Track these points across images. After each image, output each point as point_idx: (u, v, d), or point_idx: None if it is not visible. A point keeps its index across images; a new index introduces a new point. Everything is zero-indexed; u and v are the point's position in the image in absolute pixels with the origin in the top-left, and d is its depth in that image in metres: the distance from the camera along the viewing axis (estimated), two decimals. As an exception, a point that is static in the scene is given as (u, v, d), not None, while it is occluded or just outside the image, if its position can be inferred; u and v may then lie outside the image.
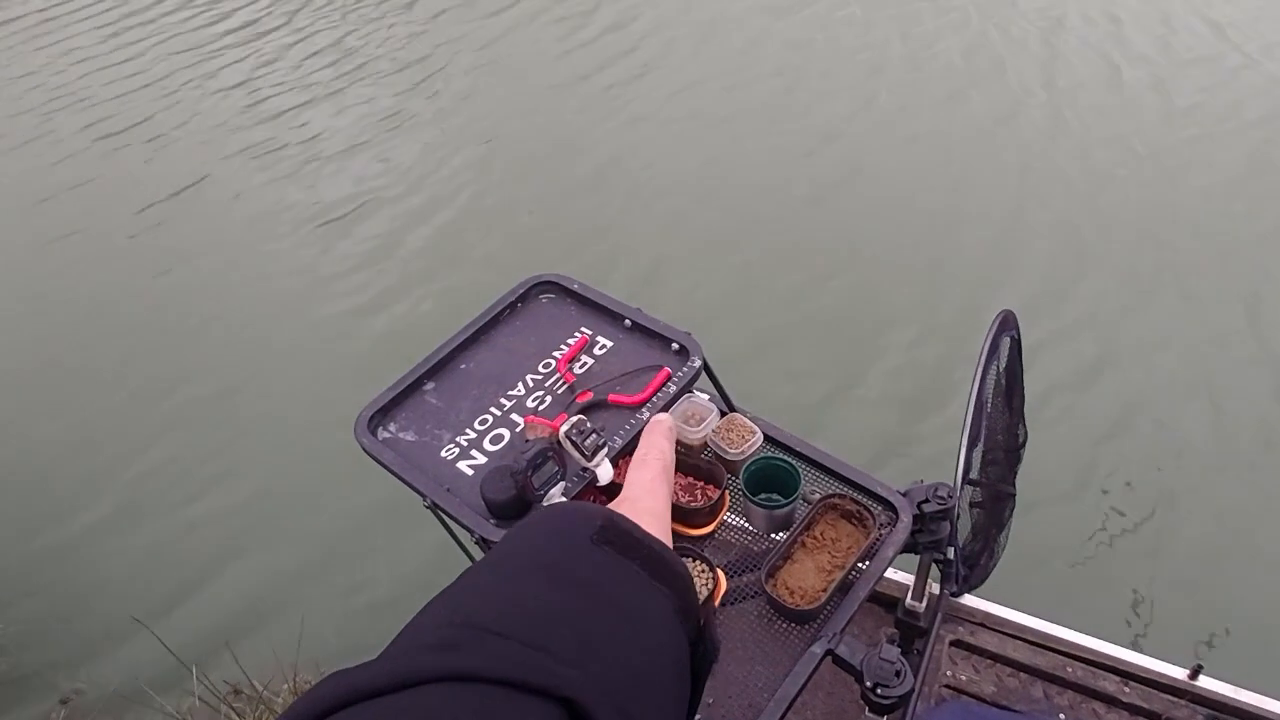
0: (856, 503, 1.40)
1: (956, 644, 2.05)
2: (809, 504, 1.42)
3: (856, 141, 4.90)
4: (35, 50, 6.54)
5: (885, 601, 2.14)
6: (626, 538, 0.55)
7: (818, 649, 1.24)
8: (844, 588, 1.32)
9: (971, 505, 2.10)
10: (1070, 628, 2.01)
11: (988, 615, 2.07)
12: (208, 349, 4.13)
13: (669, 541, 0.61)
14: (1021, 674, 2.00)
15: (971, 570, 2.12)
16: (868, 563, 1.36)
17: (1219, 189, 4.27)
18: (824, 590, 1.30)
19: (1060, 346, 3.61)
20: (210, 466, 3.58)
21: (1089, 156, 4.55)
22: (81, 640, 3.04)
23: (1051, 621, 2.03)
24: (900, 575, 2.09)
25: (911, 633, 1.97)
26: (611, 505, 0.62)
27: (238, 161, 5.34)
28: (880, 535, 1.39)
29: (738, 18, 6.16)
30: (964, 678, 1.98)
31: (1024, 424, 2.38)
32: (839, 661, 1.23)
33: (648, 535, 0.56)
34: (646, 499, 0.67)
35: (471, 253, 4.44)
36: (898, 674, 1.17)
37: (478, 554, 1.36)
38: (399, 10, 6.80)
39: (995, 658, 2.02)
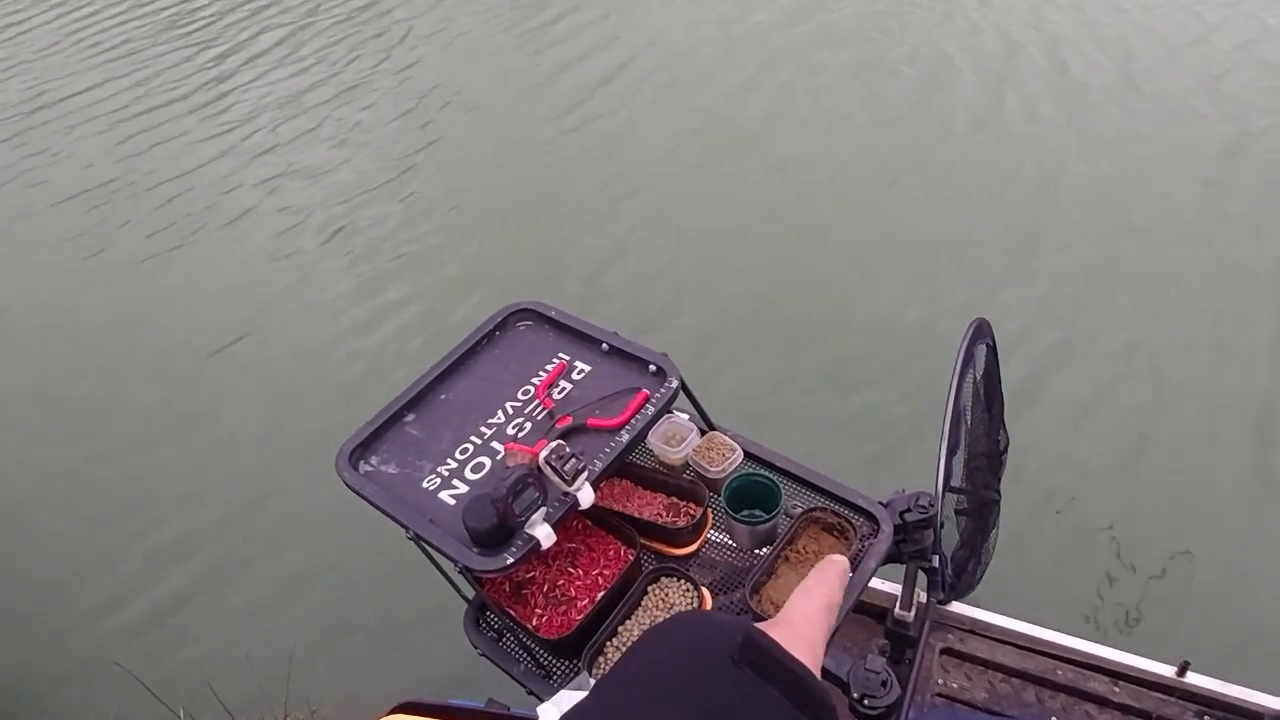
0: (838, 515, 1.41)
1: (947, 652, 2.05)
2: (791, 518, 1.43)
3: (834, 151, 4.96)
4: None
5: (875, 613, 2.15)
6: (767, 658, 0.52)
7: (804, 662, 1.25)
8: (828, 600, 1.33)
9: (957, 513, 2.12)
10: (1059, 630, 2.02)
11: (976, 621, 2.08)
12: (185, 380, 4.12)
13: (818, 674, 0.58)
14: (1013, 679, 2.01)
15: (959, 577, 2.13)
16: (851, 575, 1.37)
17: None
18: (808, 604, 1.31)
19: (1042, 351, 3.64)
20: (190, 502, 3.54)
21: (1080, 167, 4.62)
22: (64, 689, 3.00)
23: (1040, 625, 2.05)
24: (888, 585, 2.09)
25: (902, 643, 1.98)
26: (765, 625, 0.60)
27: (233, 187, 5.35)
28: (863, 546, 1.40)
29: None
30: (956, 685, 1.99)
31: (1005, 430, 2.40)
32: (825, 674, 1.24)
33: (790, 657, 0.53)
34: (803, 626, 0.63)
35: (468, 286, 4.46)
36: (884, 684, 1.17)
37: (462, 583, 1.36)
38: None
39: (986, 664, 2.02)
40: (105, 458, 3.82)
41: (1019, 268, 4.07)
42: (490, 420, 1.48)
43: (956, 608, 2.08)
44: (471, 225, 4.89)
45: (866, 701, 1.17)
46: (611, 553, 1.43)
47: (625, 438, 1.37)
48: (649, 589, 1.37)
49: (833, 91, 5.49)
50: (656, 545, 1.47)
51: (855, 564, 1.38)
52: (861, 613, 2.16)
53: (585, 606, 1.35)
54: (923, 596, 1.95)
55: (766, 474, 1.48)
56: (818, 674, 0.57)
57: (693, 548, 1.46)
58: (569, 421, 1.42)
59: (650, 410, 1.42)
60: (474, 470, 1.40)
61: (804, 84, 5.61)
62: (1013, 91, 5.27)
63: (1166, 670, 1.89)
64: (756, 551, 1.47)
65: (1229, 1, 5.86)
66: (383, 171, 5.40)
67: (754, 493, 1.46)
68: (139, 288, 4.77)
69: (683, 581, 1.37)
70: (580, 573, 1.41)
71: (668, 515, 1.48)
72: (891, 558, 1.55)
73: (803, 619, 0.65)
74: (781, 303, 4.09)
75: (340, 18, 7.32)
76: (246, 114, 6.16)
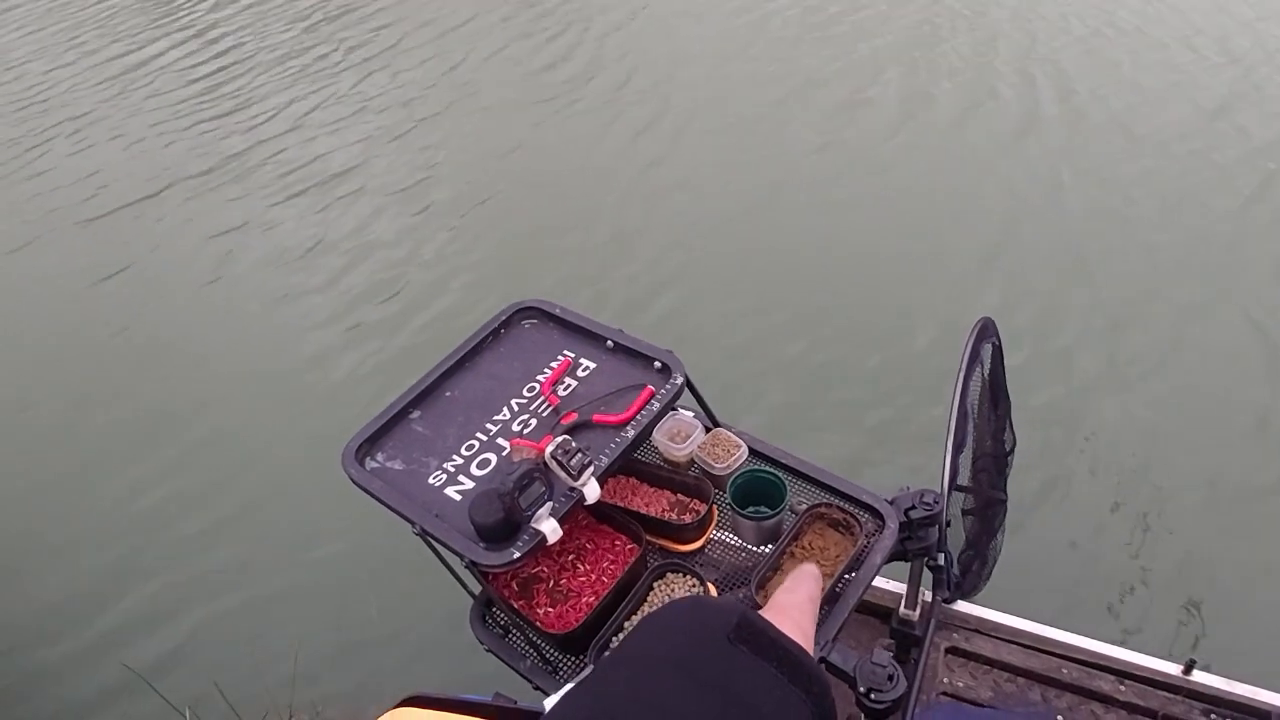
0: (843, 511, 1.42)
1: (952, 650, 2.05)
2: (796, 514, 1.43)
3: (844, 147, 4.97)
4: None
5: (880, 613, 2.14)
6: (762, 637, 0.54)
7: (810, 658, 1.25)
8: (834, 596, 1.33)
9: (964, 513, 2.12)
10: (1064, 629, 2.02)
11: (982, 620, 2.07)
12: (188, 384, 4.12)
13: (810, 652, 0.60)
14: (1019, 678, 2.00)
15: (964, 577, 2.13)
16: (857, 570, 1.37)
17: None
18: (814, 599, 1.31)
19: (1052, 350, 3.64)
20: (191, 504, 3.54)
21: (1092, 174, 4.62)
22: (70, 690, 3.00)
23: (1045, 624, 2.04)
24: (893, 585, 2.09)
25: (907, 642, 1.98)
26: (761, 611, 0.61)
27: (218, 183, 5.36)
28: (868, 542, 1.40)
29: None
30: (961, 684, 1.98)
31: (1012, 430, 2.40)
32: (832, 669, 1.23)
33: (783, 636, 0.55)
34: (793, 611, 0.66)
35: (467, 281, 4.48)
36: (890, 678, 1.17)
37: (469, 579, 1.36)
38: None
39: (991, 663, 2.02)
40: (107, 460, 3.83)
41: (1035, 271, 4.06)
42: (496, 417, 1.49)
43: (961, 606, 2.08)
44: (478, 224, 4.90)
45: (873, 696, 1.17)
46: (617, 549, 1.44)
47: (631, 433, 1.38)
48: (654, 585, 1.37)
49: (842, 96, 5.49)
50: (662, 541, 1.47)
51: (860, 561, 1.38)
52: (867, 613, 2.16)
53: (591, 602, 1.35)
54: (928, 595, 1.95)
55: (772, 470, 1.48)
56: (810, 652, 0.59)
57: (698, 544, 1.46)
58: (574, 418, 1.42)
59: (655, 406, 1.42)
60: (480, 466, 1.40)
61: (812, 83, 5.61)
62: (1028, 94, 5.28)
63: (1173, 668, 1.89)
64: (762, 549, 1.48)
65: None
66: (395, 171, 5.41)
67: (759, 489, 1.46)
68: (141, 287, 4.79)
69: (688, 577, 1.37)
70: (586, 568, 1.42)
71: (673, 512, 1.48)
72: (897, 556, 1.55)
73: (792, 606, 0.67)
74: (789, 300, 4.09)
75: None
76: (258, 109, 6.19)
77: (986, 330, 2.05)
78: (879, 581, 2.12)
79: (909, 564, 1.76)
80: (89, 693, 3.00)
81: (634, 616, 1.33)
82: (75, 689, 3.02)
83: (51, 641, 3.19)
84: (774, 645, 0.54)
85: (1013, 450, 2.42)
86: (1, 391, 4.30)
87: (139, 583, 3.33)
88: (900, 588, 2.01)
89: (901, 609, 1.94)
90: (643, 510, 1.47)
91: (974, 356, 1.94)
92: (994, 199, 4.51)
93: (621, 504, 1.49)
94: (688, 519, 1.44)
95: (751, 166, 5.01)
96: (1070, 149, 4.79)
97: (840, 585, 1.35)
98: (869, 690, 1.17)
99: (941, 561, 1.67)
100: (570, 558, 1.43)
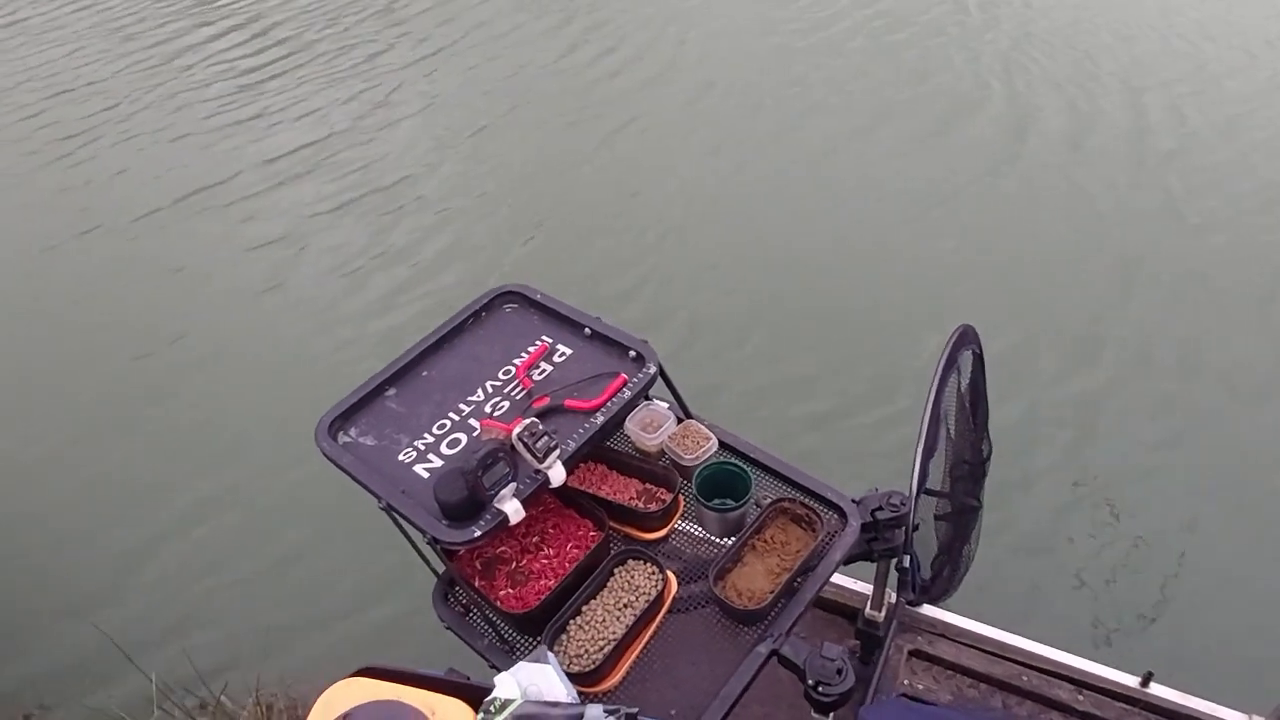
0: (806, 507, 1.43)
1: (915, 654, 2.06)
2: (760, 508, 1.44)
3: (841, 150, 4.97)
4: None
5: (847, 612, 2.16)
6: None
7: (763, 649, 1.26)
8: (791, 591, 1.35)
9: (937, 518, 2.12)
10: (1026, 636, 2.03)
11: (946, 625, 2.08)
12: (168, 364, 4.11)
13: None
14: (980, 684, 2.02)
15: (934, 581, 2.14)
16: (816, 567, 1.38)
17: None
18: (771, 592, 1.33)
19: (1038, 365, 3.65)
20: (168, 478, 3.54)
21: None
22: (42, 654, 3.01)
23: (1007, 630, 2.05)
24: (861, 585, 2.11)
25: (872, 643, 1.99)
26: None
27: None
28: (829, 539, 1.42)
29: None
30: (921, 687, 1.99)
31: (988, 438, 2.41)
32: (783, 661, 1.25)
33: None
34: None
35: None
36: (839, 672, 1.19)
37: (431, 555, 1.38)
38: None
39: (953, 667, 2.03)
40: (88, 440, 3.81)
41: (1034, 281, 4.07)
42: (470, 398, 1.50)
43: (925, 610, 2.09)
44: (477, 215, 4.89)
45: (821, 689, 1.18)
46: (581, 534, 1.45)
47: (600, 420, 1.39)
48: (615, 571, 1.38)
49: (846, 101, 5.49)
50: (626, 529, 1.48)
51: (820, 557, 1.39)
52: (834, 612, 2.18)
53: (550, 585, 1.36)
54: (893, 597, 1.96)
55: (738, 463, 1.49)
56: None
57: (662, 533, 1.47)
58: (546, 402, 1.44)
59: (627, 394, 1.43)
60: (450, 445, 1.42)
61: (820, 91, 5.61)
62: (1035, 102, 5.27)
63: (1130, 680, 1.90)
64: (724, 541, 1.49)
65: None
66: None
67: (725, 481, 1.47)
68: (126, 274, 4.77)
69: (649, 565, 1.38)
70: (550, 551, 1.43)
71: (640, 500, 1.49)
72: (863, 556, 1.57)
73: None
74: (779, 303, 4.09)
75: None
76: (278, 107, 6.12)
77: (966, 337, 2.05)
78: (848, 582, 2.13)
79: (874, 564, 1.78)
80: (58, 654, 3.01)
81: (593, 601, 1.34)
82: (46, 655, 3.03)
83: (21, 608, 3.19)
84: None
85: (989, 458, 2.43)
86: (42, 382, 4.24)
87: (115, 552, 3.34)
88: (867, 587, 2.03)
89: (867, 609, 1.96)
90: (610, 497, 1.49)
91: (950, 362, 1.95)
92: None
93: (590, 490, 1.50)
94: (653, 507, 1.46)
95: (757, 165, 5.00)
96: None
97: (798, 581, 1.36)
98: (817, 683, 1.18)
99: (907, 564, 1.69)
100: (534, 540, 1.45)
